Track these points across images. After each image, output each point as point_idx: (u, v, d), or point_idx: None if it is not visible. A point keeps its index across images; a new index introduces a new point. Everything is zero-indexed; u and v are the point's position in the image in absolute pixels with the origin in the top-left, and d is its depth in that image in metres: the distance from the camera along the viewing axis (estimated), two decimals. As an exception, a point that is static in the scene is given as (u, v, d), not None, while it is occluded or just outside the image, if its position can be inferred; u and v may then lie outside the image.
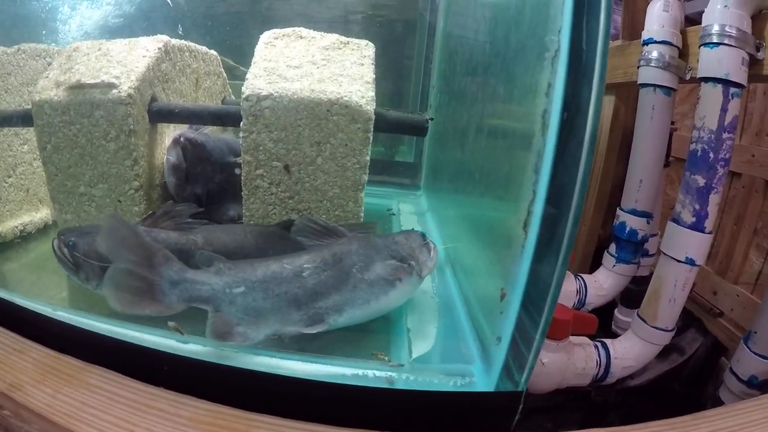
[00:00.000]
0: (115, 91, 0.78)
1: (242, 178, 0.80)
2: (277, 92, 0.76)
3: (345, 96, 0.76)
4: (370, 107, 0.77)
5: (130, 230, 0.61)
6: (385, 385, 0.56)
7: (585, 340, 1.01)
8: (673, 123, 1.23)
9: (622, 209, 1.24)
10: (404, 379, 0.58)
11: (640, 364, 1.05)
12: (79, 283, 0.69)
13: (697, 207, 0.95)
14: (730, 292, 1.27)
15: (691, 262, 0.96)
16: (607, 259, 1.27)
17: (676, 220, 0.98)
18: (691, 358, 1.31)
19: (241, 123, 0.77)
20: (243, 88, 0.77)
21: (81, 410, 0.51)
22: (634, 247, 1.21)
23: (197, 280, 0.63)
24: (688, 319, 1.35)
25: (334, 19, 1.46)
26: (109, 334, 0.61)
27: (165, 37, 0.86)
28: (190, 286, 0.62)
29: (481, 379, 0.59)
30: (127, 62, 0.81)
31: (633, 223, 1.19)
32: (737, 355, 1.00)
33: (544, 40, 0.50)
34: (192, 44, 0.95)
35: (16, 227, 0.94)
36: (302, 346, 0.65)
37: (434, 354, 0.68)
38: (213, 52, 1.04)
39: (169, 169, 0.85)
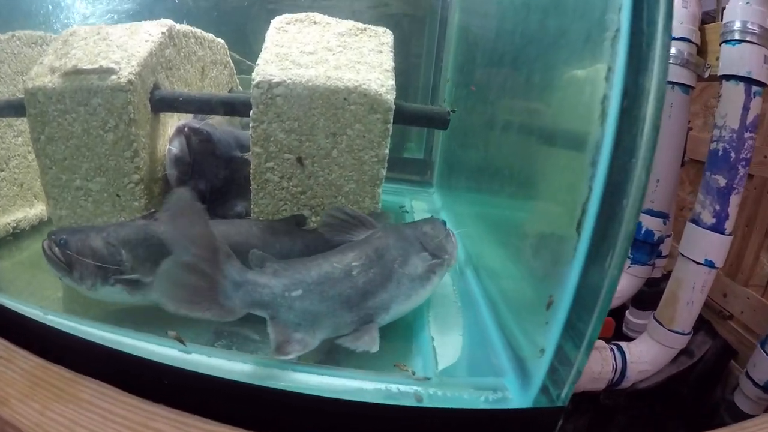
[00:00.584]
0: (114, 77, 0.70)
1: (251, 171, 0.72)
2: (290, 79, 0.68)
3: (363, 84, 0.69)
4: (390, 96, 0.70)
5: (199, 216, 0.51)
6: (413, 403, 0.48)
7: (601, 343, 0.97)
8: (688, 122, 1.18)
9: None
10: (431, 394, 0.51)
11: (656, 367, 1.01)
12: (73, 285, 0.61)
13: (718, 208, 0.91)
14: (740, 295, 1.22)
15: (710, 264, 0.91)
16: None
17: (696, 221, 0.94)
18: (700, 360, 1.24)
19: (251, 112, 0.69)
20: (253, 74, 0.69)
21: (71, 430, 0.43)
22: (650, 248, 1.15)
23: (259, 282, 0.55)
24: (697, 322, 1.29)
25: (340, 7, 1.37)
26: (104, 343, 0.54)
27: (169, 22, 0.78)
28: (252, 288, 0.54)
29: (517, 394, 0.52)
30: (128, 47, 0.73)
31: (649, 223, 1.13)
32: (753, 360, 0.97)
33: (604, 18, 0.43)
34: (198, 30, 0.87)
35: (9, 224, 0.86)
36: (317, 356, 0.57)
37: (461, 365, 0.61)
38: (220, 40, 0.96)
39: (171, 160, 0.77)
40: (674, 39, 1.03)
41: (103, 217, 0.76)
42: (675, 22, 1.02)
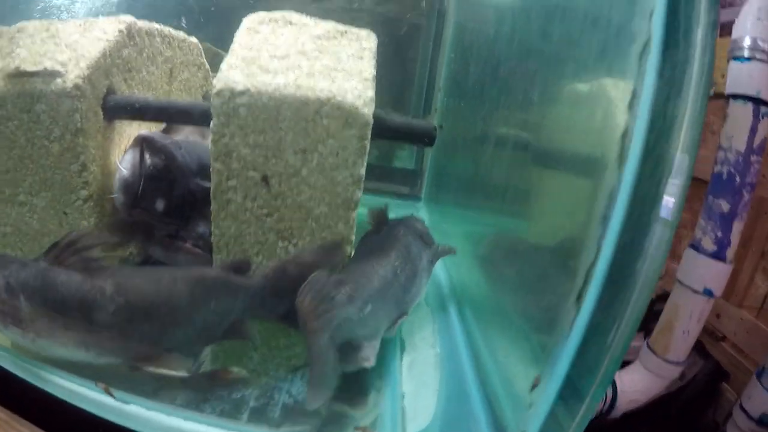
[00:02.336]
0: (59, 80, 0.59)
1: (211, 189, 0.60)
2: (256, 87, 0.57)
3: (338, 95, 0.57)
4: (368, 110, 0.58)
5: None
6: None
7: None
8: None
9: None
10: None
11: (647, 397, 0.95)
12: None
13: (720, 234, 0.84)
14: (734, 316, 1.11)
15: (709, 293, 0.84)
16: None
17: (696, 248, 0.86)
18: (691, 382, 1.14)
19: (212, 123, 0.57)
20: (214, 81, 0.57)
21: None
22: None
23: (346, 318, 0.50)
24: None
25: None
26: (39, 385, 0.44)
27: (129, 18, 0.66)
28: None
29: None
30: (79, 46, 0.62)
31: None
32: (748, 392, 0.88)
33: (630, 26, 0.30)
34: (166, 29, 0.75)
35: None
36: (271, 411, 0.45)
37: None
38: (193, 39, 0.84)
39: (119, 183, 0.63)
40: None
41: (50, 236, 0.64)
42: None
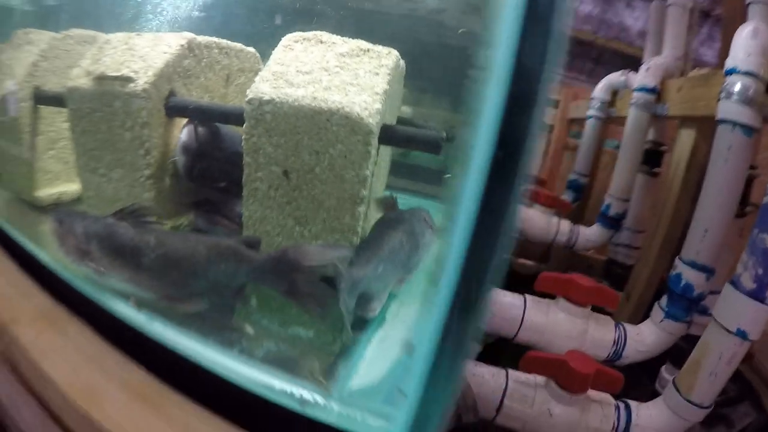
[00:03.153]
0: (132, 84, 0.74)
1: (243, 179, 0.72)
2: (279, 98, 0.68)
3: (347, 106, 0.66)
4: (373, 120, 0.67)
5: None
6: (294, 406, 0.47)
7: (606, 397, 0.83)
8: (754, 168, 1.00)
9: (681, 259, 0.99)
10: (315, 404, 0.48)
11: None
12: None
13: (761, 272, 0.74)
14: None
15: (743, 335, 0.75)
16: (656, 312, 1.02)
17: (735, 284, 0.77)
18: (737, 434, 1.07)
19: (244, 125, 0.69)
20: (247, 91, 0.68)
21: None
22: (687, 304, 0.98)
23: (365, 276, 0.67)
24: (744, 390, 1.10)
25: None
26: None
27: (189, 35, 0.79)
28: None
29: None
30: (149, 57, 0.76)
31: (690, 276, 0.96)
32: None
33: None
34: (224, 41, 0.87)
35: (53, 195, 0.93)
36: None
37: (380, 389, 0.57)
38: (251, 49, 0.95)
39: (180, 147, 0.80)
40: (739, 73, 0.88)
41: (120, 202, 0.79)
42: (741, 54, 0.88)
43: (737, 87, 0.87)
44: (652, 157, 1.64)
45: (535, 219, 1.62)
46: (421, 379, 0.38)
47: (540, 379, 0.82)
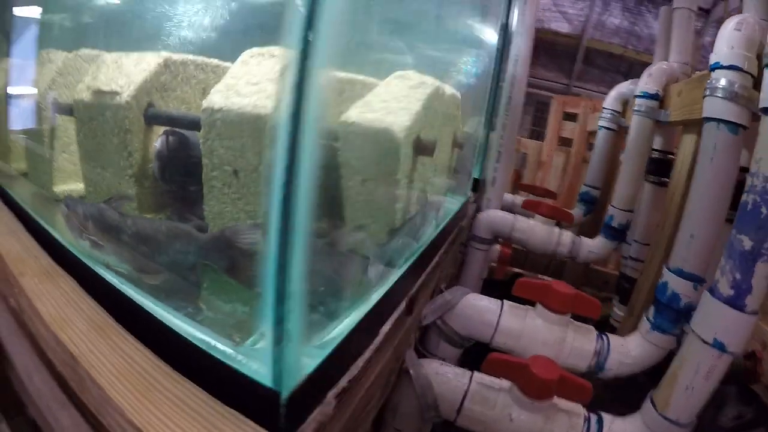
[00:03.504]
0: (118, 98, 0.88)
1: (202, 178, 0.85)
2: (227, 106, 0.80)
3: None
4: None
5: None
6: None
7: (576, 408, 0.80)
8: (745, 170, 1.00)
9: (667, 267, 0.95)
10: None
11: None
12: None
13: (738, 277, 0.69)
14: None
15: (720, 346, 0.71)
16: (643, 324, 0.98)
17: (712, 291, 0.73)
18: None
19: (201, 130, 0.81)
20: (203, 102, 0.80)
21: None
22: (674, 315, 0.93)
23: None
24: (761, 413, 1.07)
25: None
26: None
27: (166, 54, 0.93)
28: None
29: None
30: (132, 74, 0.90)
31: (677, 285, 0.92)
32: None
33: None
34: (200, 58, 1.00)
35: (66, 190, 1.09)
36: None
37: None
38: (228, 64, 1.08)
39: (155, 154, 0.95)
40: (723, 68, 0.85)
41: (112, 193, 0.94)
42: (725, 48, 0.85)
43: (721, 83, 0.83)
44: (660, 166, 1.59)
45: (536, 230, 1.62)
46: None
47: (506, 383, 0.80)
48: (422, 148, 0.93)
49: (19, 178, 1.15)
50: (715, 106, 0.85)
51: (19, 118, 1.18)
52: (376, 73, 1.01)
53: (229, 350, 0.53)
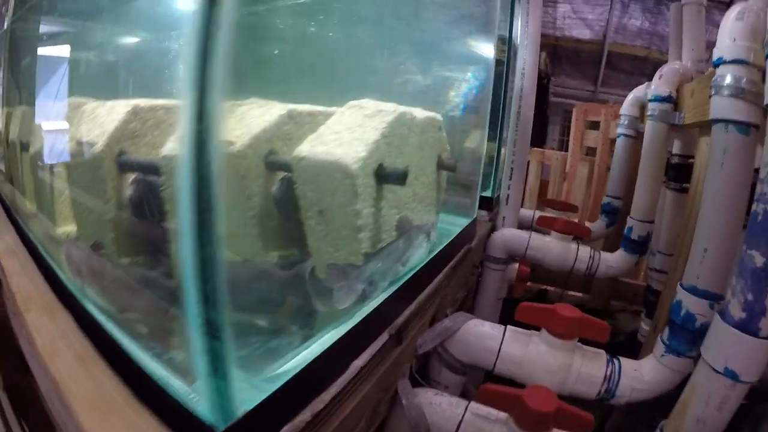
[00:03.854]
0: (93, 147, 0.93)
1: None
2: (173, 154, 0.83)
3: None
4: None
5: None
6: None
7: None
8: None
9: (681, 285, 0.87)
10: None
11: None
12: None
13: (750, 298, 0.61)
14: None
15: (732, 376, 0.64)
16: (657, 346, 0.90)
17: (723, 314, 0.66)
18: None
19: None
20: (160, 151, 0.85)
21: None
22: (690, 336, 0.83)
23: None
24: None
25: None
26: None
27: (134, 102, 0.98)
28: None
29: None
30: (104, 124, 0.96)
31: (691, 304, 0.83)
32: None
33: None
34: (171, 102, 1.05)
35: (65, 232, 1.17)
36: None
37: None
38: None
39: (127, 200, 0.99)
40: (726, 62, 0.79)
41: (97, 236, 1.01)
42: (727, 40, 0.78)
43: (727, 79, 0.76)
44: (680, 172, 1.52)
45: (551, 247, 1.58)
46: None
47: (503, 414, 0.76)
48: (388, 176, 0.94)
49: (37, 215, 1.26)
50: (721, 106, 0.78)
51: (33, 161, 1.29)
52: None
53: (179, 382, 0.56)
